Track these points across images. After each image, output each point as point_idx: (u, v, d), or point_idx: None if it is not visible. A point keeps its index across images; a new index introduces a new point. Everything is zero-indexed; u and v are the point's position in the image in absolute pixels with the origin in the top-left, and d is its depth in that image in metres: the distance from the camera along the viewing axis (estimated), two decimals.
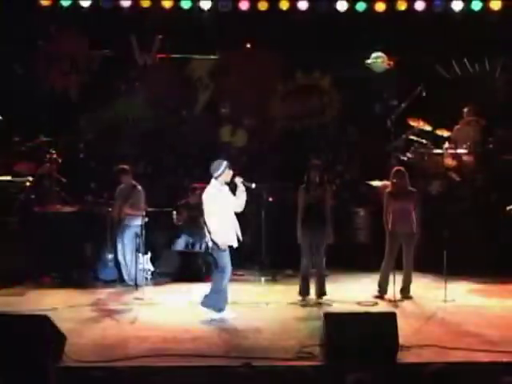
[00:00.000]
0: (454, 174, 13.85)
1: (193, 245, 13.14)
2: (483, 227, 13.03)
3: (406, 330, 9.03)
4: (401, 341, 8.30)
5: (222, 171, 9.98)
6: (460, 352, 8.41)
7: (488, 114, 14.31)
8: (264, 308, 10.69)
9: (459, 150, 13.96)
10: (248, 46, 15.08)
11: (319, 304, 10.76)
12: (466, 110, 14.31)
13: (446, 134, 14.29)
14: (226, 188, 10.14)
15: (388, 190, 11.37)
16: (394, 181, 11.19)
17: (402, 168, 11.49)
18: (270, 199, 13.36)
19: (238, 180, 10.12)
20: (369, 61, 14.44)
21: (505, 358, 8.14)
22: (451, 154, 13.93)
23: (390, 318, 8.45)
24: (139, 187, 12.12)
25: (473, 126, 14.20)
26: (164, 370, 7.77)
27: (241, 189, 10.14)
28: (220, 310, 9.98)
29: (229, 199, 10.09)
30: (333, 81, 15.43)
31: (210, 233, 9.92)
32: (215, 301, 9.99)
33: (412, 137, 14.20)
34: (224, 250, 9.98)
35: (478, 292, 11.70)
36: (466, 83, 14.97)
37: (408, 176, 11.33)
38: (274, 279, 12.71)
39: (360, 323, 8.36)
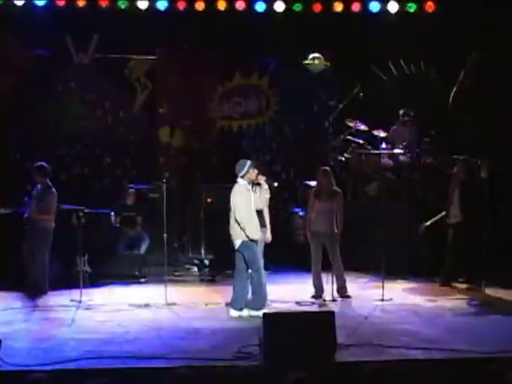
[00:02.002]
0: (390, 174, 14.02)
1: (131, 246, 13.09)
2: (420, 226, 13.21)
3: (344, 329, 9.12)
4: (339, 340, 8.39)
5: (246, 171, 10.28)
6: (397, 350, 8.53)
7: (423, 115, 14.51)
8: (203, 308, 10.70)
9: (396, 150, 14.14)
10: (186, 46, 15.02)
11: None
12: (401, 112, 14.51)
13: (382, 134, 14.44)
14: (252, 187, 10.40)
15: (313, 189, 11.46)
16: (319, 180, 11.30)
17: (327, 168, 11.58)
18: (209, 200, 13.38)
19: (261, 178, 10.40)
20: (306, 61, 14.54)
21: (440, 356, 8.29)
22: (388, 154, 14.10)
23: (328, 318, 8.53)
24: (53, 190, 11.55)
25: (408, 126, 14.39)
26: (102, 372, 7.71)
27: (264, 187, 10.45)
28: (259, 308, 10.08)
29: (255, 198, 10.36)
30: (271, 82, 15.49)
31: (243, 228, 10.15)
32: (257, 301, 10.22)
33: (349, 137, 14.33)
34: (249, 247, 10.19)
35: (415, 291, 11.85)
36: (402, 84, 15.15)
37: (334, 176, 11.48)
38: (213, 279, 12.73)
39: (299, 323, 8.43)
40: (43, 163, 11.68)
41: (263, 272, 10.37)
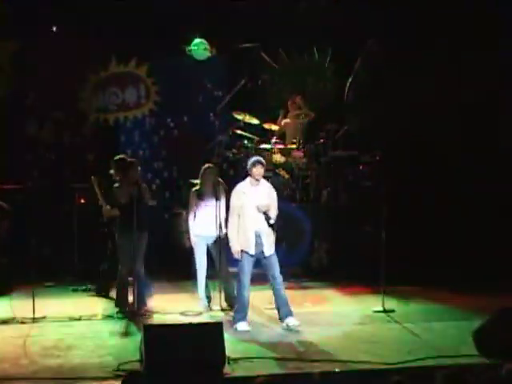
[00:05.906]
0: (282, 171, 14.06)
1: None
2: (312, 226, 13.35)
3: (233, 340, 9.08)
4: (228, 353, 8.32)
5: (249, 167, 10.06)
6: (292, 363, 8.49)
7: (318, 106, 14.64)
8: (76, 322, 10.47)
9: (288, 146, 14.20)
10: (54, 30, 14.72)
11: (139, 315, 10.63)
12: (289, 102, 14.61)
13: (273, 127, 14.49)
14: (259, 187, 10.10)
15: (195, 188, 11.34)
16: (202, 179, 11.22)
17: (211, 165, 11.50)
18: (82, 201, 13.19)
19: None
20: (189, 48, 14.44)
21: (338, 368, 8.32)
22: (280, 149, 14.14)
23: (215, 329, 8.46)
24: None
25: (302, 119, 14.47)
26: None
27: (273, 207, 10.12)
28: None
29: (257, 199, 10.02)
30: (150, 69, 15.33)
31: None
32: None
33: (238, 131, 14.32)
34: (240, 259, 9.96)
35: (307, 297, 11.88)
36: (295, 73, 15.25)
37: (220, 173, 11.48)
38: (88, 290, 12.51)
39: (183, 335, 8.34)
40: None
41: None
